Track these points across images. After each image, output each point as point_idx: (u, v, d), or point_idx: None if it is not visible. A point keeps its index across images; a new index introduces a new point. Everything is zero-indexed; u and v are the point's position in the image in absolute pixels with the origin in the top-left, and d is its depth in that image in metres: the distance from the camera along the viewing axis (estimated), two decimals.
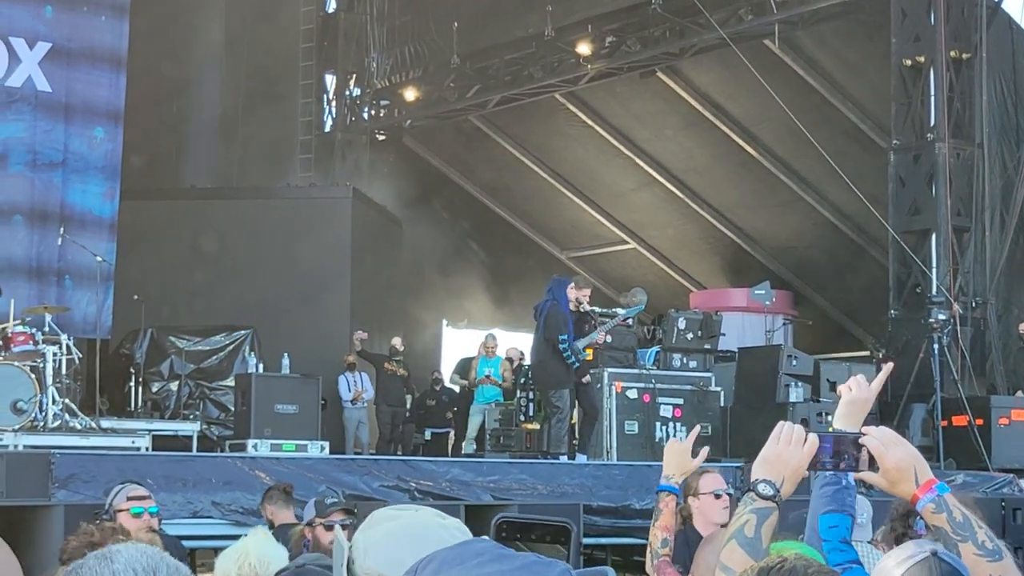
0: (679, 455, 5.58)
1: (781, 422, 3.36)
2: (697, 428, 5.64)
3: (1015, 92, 20.32)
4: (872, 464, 3.25)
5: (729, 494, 6.87)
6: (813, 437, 3.27)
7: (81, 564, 2.24)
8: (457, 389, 22.70)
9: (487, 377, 21.20)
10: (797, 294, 27.15)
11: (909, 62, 19.73)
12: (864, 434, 3.28)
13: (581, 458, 15.81)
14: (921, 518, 3.34)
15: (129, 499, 7.24)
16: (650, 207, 28.24)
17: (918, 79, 19.70)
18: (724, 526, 6.79)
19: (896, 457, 3.24)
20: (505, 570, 2.42)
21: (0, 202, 18.40)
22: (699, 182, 27.18)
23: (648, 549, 5.65)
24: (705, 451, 5.64)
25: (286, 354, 17.90)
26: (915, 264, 19.20)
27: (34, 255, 18.51)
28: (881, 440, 3.25)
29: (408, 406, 22.37)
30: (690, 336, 18.18)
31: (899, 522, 6.19)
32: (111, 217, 19.18)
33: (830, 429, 3.57)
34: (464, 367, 22.72)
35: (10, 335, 15.36)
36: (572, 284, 16.36)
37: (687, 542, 6.11)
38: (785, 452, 3.27)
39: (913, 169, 19.63)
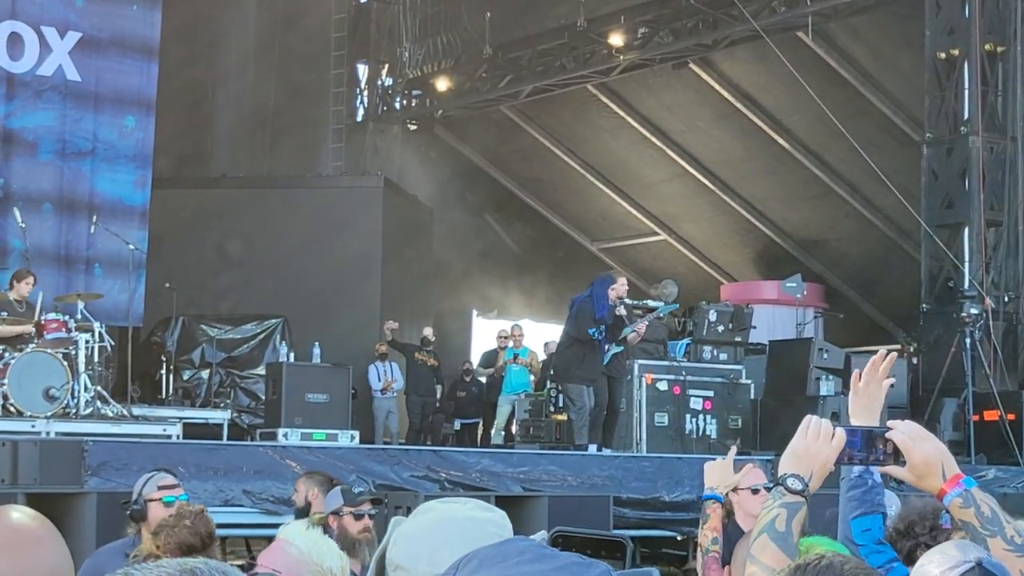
0: (721, 471, 5.62)
1: (808, 416, 3.37)
2: (734, 448, 5.65)
3: None
4: (899, 458, 3.26)
5: (767, 488, 6.88)
6: (840, 431, 3.28)
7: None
8: (485, 380, 22.75)
9: (516, 358, 21.30)
10: (828, 287, 27.07)
11: (943, 55, 19.64)
12: (891, 428, 3.29)
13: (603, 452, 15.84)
14: (947, 512, 3.35)
15: (160, 488, 7.25)
16: (681, 199, 28.19)
17: (952, 72, 19.61)
18: None
19: (924, 451, 3.25)
20: (546, 569, 2.43)
21: (30, 191, 18.50)
22: (731, 174, 27.12)
23: (698, 548, 5.68)
24: (734, 449, 5.66)
25: (317, 344, 17.95)
26: (947, 258, 19.13)
27: (63, 243, 18.61)
28: (908, 434, 3.26)
29: (438, 396, 22.42)
30: (721, 328, 18.20)
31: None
32: (142, 205, 19.26)
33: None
34: (489, 359, 22.81)
35: (43, 322, 15.45)
36: (613, 285, 16.20)
37: (727, 538, 6.14)
38: (813, 446, 3.28)
39: (946, 162, 19.56)
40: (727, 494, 6.58)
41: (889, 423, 3.34)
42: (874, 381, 3.74)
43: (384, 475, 12.46)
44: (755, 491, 6.75)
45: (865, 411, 3.76)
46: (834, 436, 3.29)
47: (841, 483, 3.91)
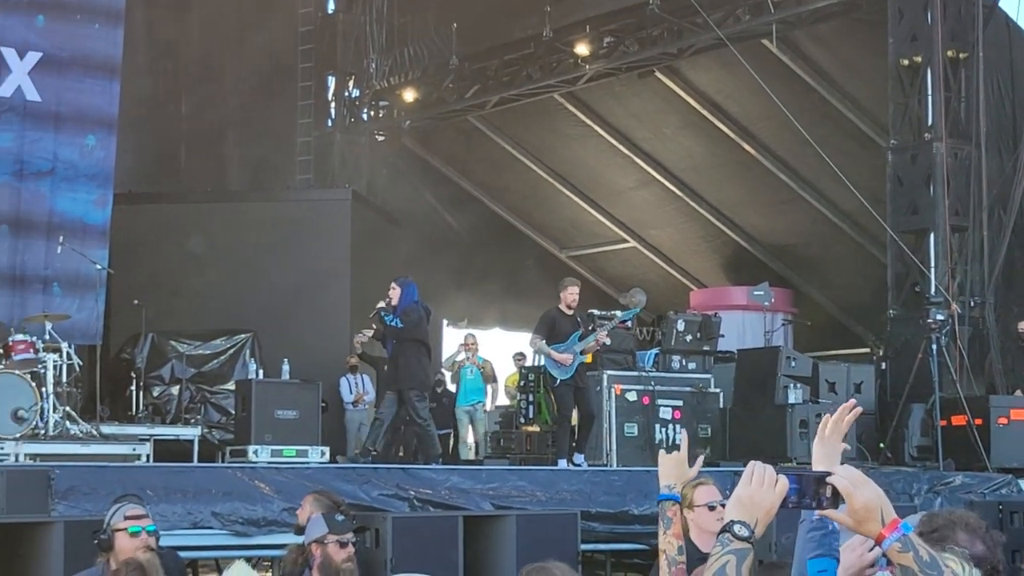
0: (676, 464, 5.53)
1: (752, 462, 3.44)
2: (686, 435, 5.62)
3: (1012, 91, 20.35)
4: (839, 502, 3.33)
5: (723, 505, 6.91)
6: (784, 479, 3.36)
7: None
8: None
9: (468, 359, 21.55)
10: (797, 292, 27.20)
11: (906, 62, 19.75)
12: (831, 473, 3.36)
13: (578, 458, 15.90)
14: (885, 556, 3.42)
15: (127, 518, 7.27)
16: (649, 206, 28.28)
17: (915, 79, 19.72)
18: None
19: (864, 496, 3.33)
20: None
21: None
22: (698, 181, 27.23)
23: (662, 557, 5.62)
24: (701, 459, 5.62)
25: (286, 360, 17.95)
26: (913, 263, 19.23)
27: (18, 263, 18.53)
28: (849, 479, 3.34)
29: None
30: (689, 338, 18.26)
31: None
32: (103, 224, 19.16)
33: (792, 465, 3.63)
34: (452, 363, 23.04)
35: (10, 343, 15.43)
36: (561, 289, 16.41)
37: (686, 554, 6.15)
38: (758, 494, 3.36)
39: (911, 169, 19.66)
40: (681, 511, 6.60)
41: (830, 468, 3.41)
42: (837, 431, 3.79)
43: (353, 494, 12.45)
44: (711, 507, 6.79)
45: (826, 459, 3.80)
46: (777, 483, 3.36)
47: (800, 525, 3.96)
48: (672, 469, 5.41)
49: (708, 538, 6.83)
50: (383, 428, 15.87)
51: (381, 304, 15.77)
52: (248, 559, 12.92)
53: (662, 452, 5.37)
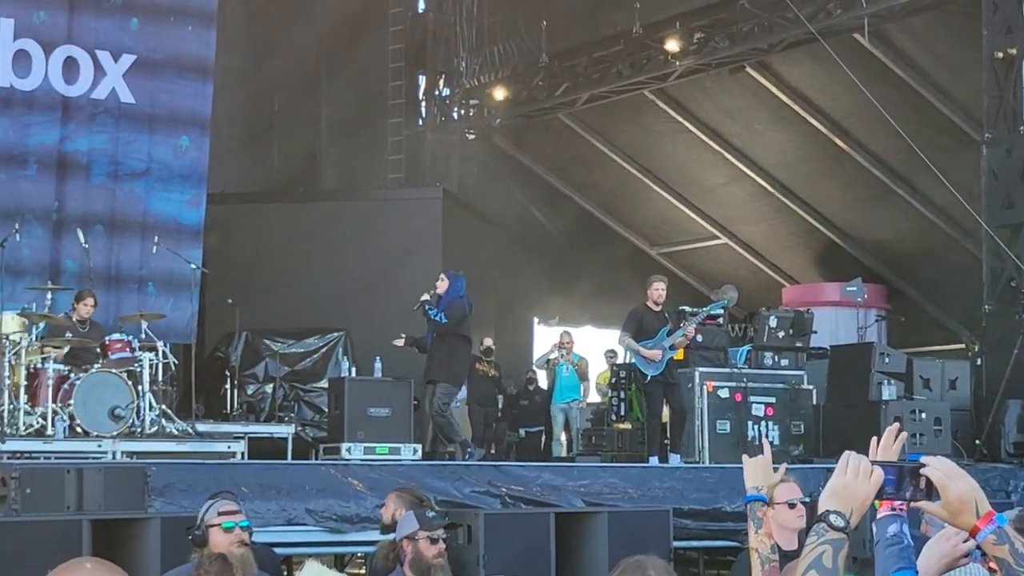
0: (761, 468, 5.55)
1: (847, 452, 3.42)
2: (767, 442, 5.63)
3: None
4: (932, 495, 3.32)
5: (804, 502, 6.89)
6: (878, 470, 3.35)
7: None
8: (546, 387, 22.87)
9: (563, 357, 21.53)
10: (890, 287, 26.98)
11: (1001, 55, 19.49)
12: (926, 465, 3.34)
13: (674, 459, 15.83)
14: (979, 548, 3.40)
15: (220, 514, 7.33)
16: (741, 202, 28.15)
17: (1010, 72, 19.45)
18: (797, 532, 6.81)
19: (958, 489, 3.32)
20: None
21: (83, 213, 18.68)
22: (790, 177, 27.06)
23: (754, 556, 5.62)
24: (784, 467, 5.64)
25: (378, 358, 18.02)
26: (1009, 258, 19.00)
27: (113, 264, 18.78)
28: (944, 471, 3.32)
29: (500, 406, 22.49)
30: (781, 334, 18.16)
31: None
32: (197, 224, 19.40)
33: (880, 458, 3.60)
34: (540, 363, 23.05)
35: (107, 343, 15.62)
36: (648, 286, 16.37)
37: None
38: (853, 484, 3.35)
39: (1006, 162, 19.41)
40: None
41: (923, 459, 3.39)
42: (886, 455, 3.77)
43: (445, 491, 12.51)
44: (791, 505, 6.78)
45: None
46: (872, 473, 3.35)
47: (876, 545, 3.96)
48: (757, 473, 5.42)
49: (788, 535, 6.82)
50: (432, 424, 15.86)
51: (425, 296, 15.74)
52: (342, 555, 13.03)
53: (746, 456, 5.37)
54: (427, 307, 15.61)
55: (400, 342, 16.27)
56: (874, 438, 3.78)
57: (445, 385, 15.72)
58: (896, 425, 3.80)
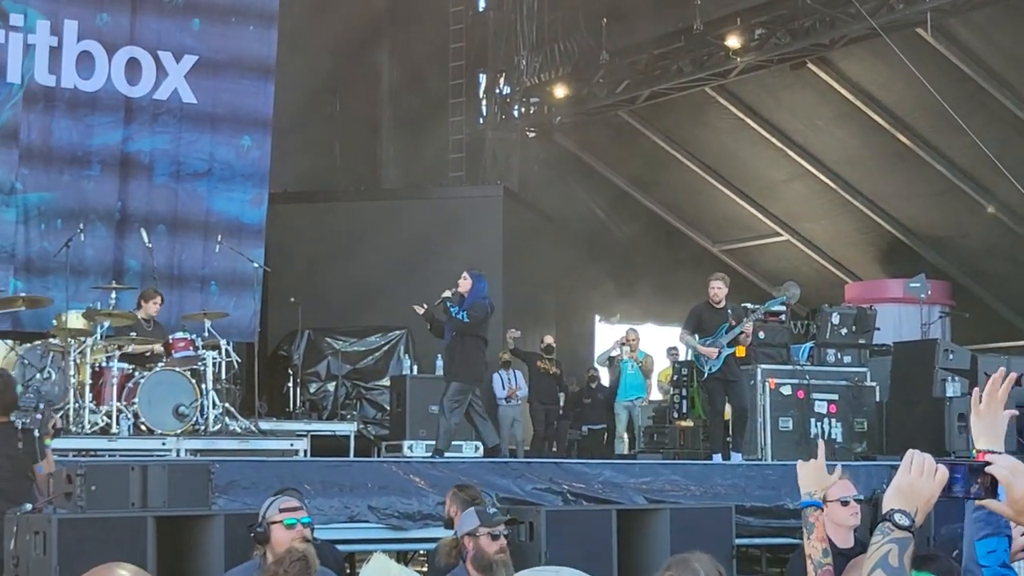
0: (816, 472, 5.53)
1: (911, 451, 3.41)
2: (822, 444, 5.60)
3: None
4: (996, 492, 3.30)
5: (857, 500, 6.87)
6: (943, 468, 3.33)
7: None
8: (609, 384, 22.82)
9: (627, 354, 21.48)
10: (955, 284, 26.78)
11: None
12: (991, 463, 3.32)
13: (736, 457, 15.76)
14: None
15: (282, 511, 7.38)
16: (803, 198, 28.02)
17: None
18: (852, 529, 6.79)
19: (1023, 486, 3.28)
20: None
21: (145, 213, 18.82)
22: (852, 173, 26.91)
23: (808, 562, 5.62)
24: (839, 469, 5.61)
25: (440, 356, 18.08)
26: None
27: (175, 263, 18.92)
28: (1009, 469, 3.30)
29: (561, 403, 22.49)
30: (844, 331, 18.06)
31: None
32: (259, 223, 19.51)
33: (951, 455, 3.58)
34: (601, 360, 23.00)
35: (171, 341, 15.74)
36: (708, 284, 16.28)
37: None
38: (917, 482, 3.33)
39: None
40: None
41: (988, 458, 3.37)
42: (994, 402, 3.70)
43: (507, 488, 12.52)
44: (844, 503, 6.76)
45: (987, 434, 3.68)
46: (936, 471, 3.33)
47: (966, 506, 3.90)
48: (811, 476, 5.40)
49: (844, 533, 6.81)
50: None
51: (447, 293, 15.63)
52: (405, 552, 13.06)
53: (800, 461, 5.36)
54: (448, 304, 15.51)
55: (420, 310, 16.08)
56: (976, 389, 3.71)
57: (459, 384, 15.44)
58: (1002, 369, 3.72)
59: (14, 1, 18.19)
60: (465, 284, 15.58)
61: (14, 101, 18.16)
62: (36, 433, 8.55)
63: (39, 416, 8.57)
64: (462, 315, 15.38)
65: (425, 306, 15.92)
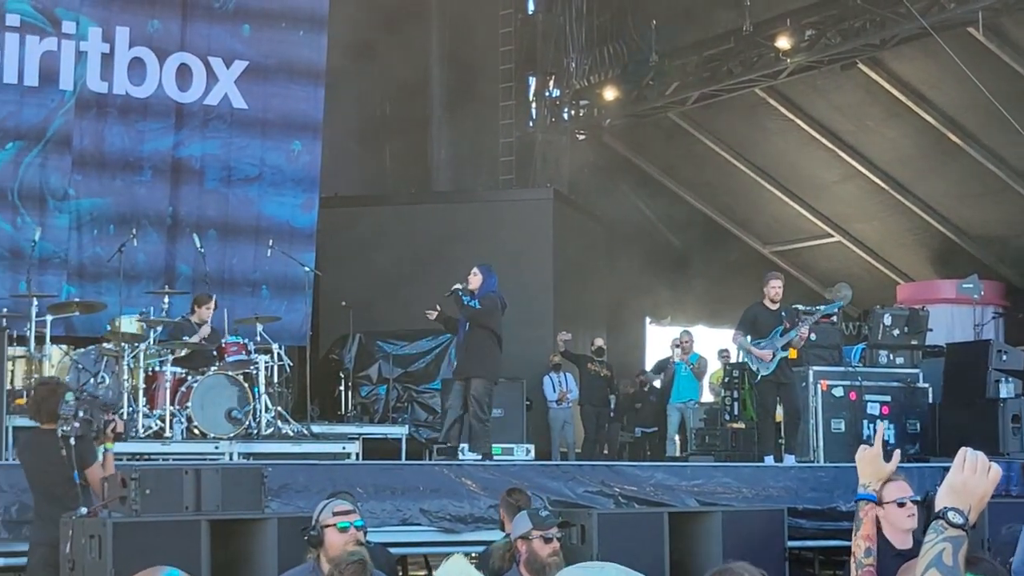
0: (872, 462, 5.48)
1: (963, 448, 3.40)
2: (881, 428, 5.56)
3: None
4: None
5: (915, 501, 6.82)
6: (996, 466, 3.32)
7: None
8: (660, 386, 22.80)
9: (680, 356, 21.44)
10: (1008, 284, 26.60)
11: None
12: None
13: (789, 459, 15.70)
14: None
15: (335, 514, 7.40)
16: (854, 199, 27.90)
17: None
18: (910, 531, 6.74)
19: None
20: None
21: (196, 217, 18.93)
22: (904, 173, 26.77)
23: (851, 559, 5.60)
24: (897, 455, 5.54)
25: None
26: None
27: (227, 267, 19.02)
28: None
29: (612, 406, 22.46)
30: (896, 332, 17.97)
31: None
32: (309, 227, 19.61)
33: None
34: (660, 366, 22.95)
35: (223, 345, 15.82)
36: (764, 283, 16.21)
37: (876, 550, 6.10)
38: (971, 480, 3.33)
39: None
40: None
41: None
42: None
43: (558, 491, 12.53)
44: (900, 504, 6.71)
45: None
46: (990, 469, 3.33)
47: None
48: (868, 466, 5.35)
49: (902, 535, 6.75)
50: (454, 420, 15.60)
51: (458, 285, 15.59)
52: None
53: (861, 448, 5.31)
54: (460, 294, 15.47)
55: (433, 314, 16.06)
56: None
57: (482, 381, 15.28)
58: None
59: (67, 9, 18.33)
60: (475, 280, 15.56)
61: (67, 108, 18.31)
62: (72, 441, 8.60)
63: (77, 424, 8.62)
64: (473, 303, 15.35)
65: (438, 308, 15.91)
